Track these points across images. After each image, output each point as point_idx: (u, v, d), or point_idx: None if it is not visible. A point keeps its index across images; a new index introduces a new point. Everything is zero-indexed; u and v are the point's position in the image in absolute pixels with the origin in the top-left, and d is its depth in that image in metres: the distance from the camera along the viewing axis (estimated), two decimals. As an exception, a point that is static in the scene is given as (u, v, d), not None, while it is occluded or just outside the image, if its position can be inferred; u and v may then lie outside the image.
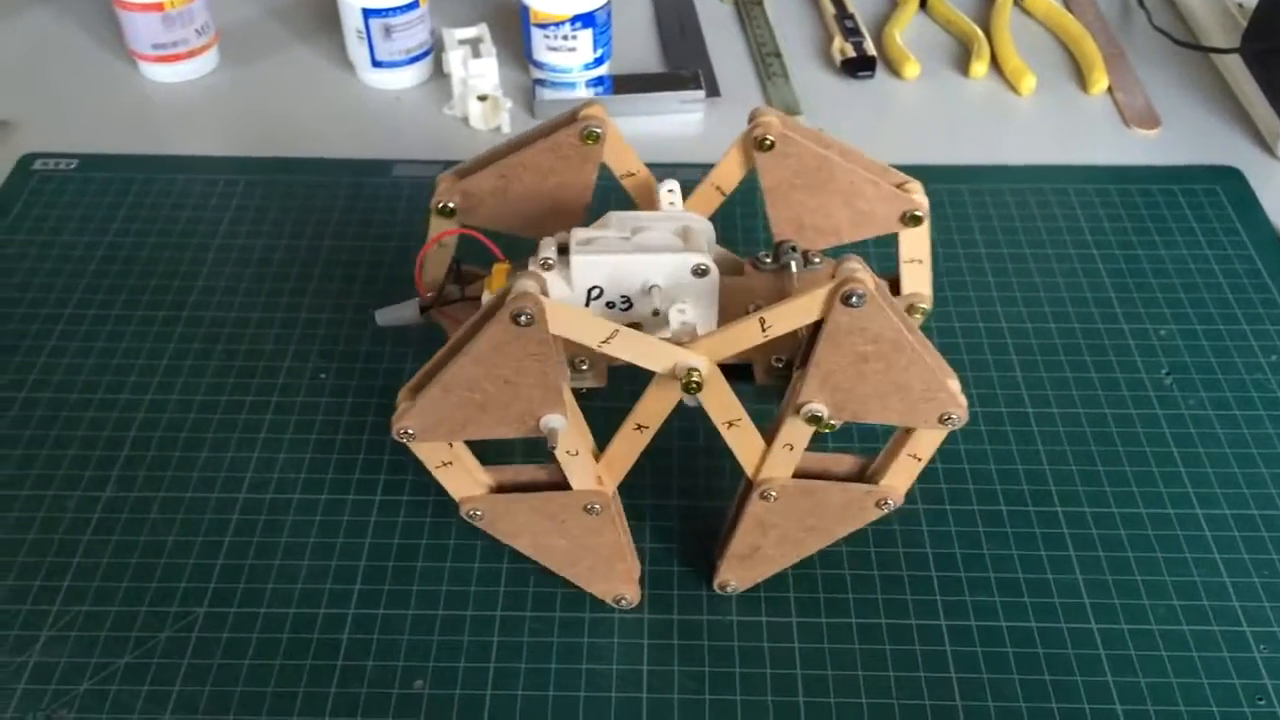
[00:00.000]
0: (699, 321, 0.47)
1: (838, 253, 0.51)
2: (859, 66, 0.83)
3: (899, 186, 0.52)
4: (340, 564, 0.52)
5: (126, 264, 0.67)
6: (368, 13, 0.78)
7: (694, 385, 0.43)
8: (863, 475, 0.47)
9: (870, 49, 0.84)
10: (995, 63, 0.84)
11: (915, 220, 0.52)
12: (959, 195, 0.72)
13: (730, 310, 0.48)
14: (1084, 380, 0.60)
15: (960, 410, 0.44)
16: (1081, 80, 0.83)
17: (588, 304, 0.47)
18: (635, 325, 0.47)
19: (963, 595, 0.51)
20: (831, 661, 0.48)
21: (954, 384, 0.44)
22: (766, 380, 0.49)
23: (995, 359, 0.62)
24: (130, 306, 0.64)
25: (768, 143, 0.49)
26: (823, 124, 0.79)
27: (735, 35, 0.88)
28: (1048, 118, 0.79)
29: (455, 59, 0.78)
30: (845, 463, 0.48)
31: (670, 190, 0.52)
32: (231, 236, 0.69)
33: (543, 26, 0.78)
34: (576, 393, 0.47)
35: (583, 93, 0.81)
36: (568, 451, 0.45)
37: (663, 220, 0.49)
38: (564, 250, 0.47)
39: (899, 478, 0.47)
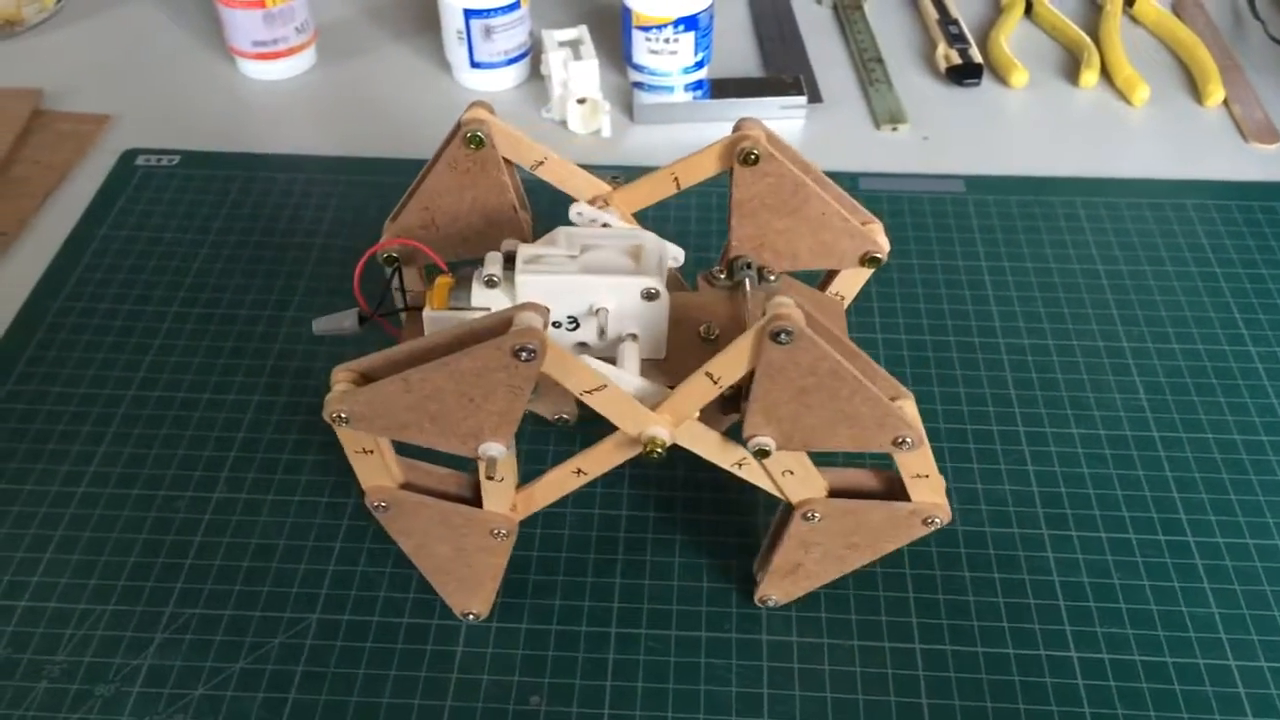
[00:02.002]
0: (649, 345, 0.46)
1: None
2: (965, 74, 0.81)
3: (863, 225, 0.51)
4: (451, 574, 0.51)
5: (230, 262, 0.67)
6: (469, 13, 0.77)
7: (656, 454, 0.43)
8: (897, 491, 0.46)
9: (976, 56, 0.82)
10: (1105, 72, 0.82)
11: (874, 262, 0.51)
12: (1073, 208, 0.70)
13: (685, 331, 0.46)
14: (1211, 405, 0.58)
15: (912, 433, 0.43)
16: (1195, 92, 0.80)
17: (545, 326, 0.45)
18: (581, 346, 0.46)
19: (1092, 626, 0.49)
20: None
21: (907, 405, 0.43)
22: (714, 410, 0.47)
23: (1118, 380, 0.60)
24: (235, 305, 0.64)
25: (753, 157, 0.47)
26: (929, 132, 0.77)
27: (835, 40, 0.86)
28: (1162, 130, 0.77)
29: (555, 61, 0.77)
30: (875, 478, 0.47)
31: (579, 214, 0.50)
32: (332, 237, 0.69)
33: (644, 29, 0.77)
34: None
35: (681, 97, 0.79)
36: (491, 477, 0.44)
37: (614, 237, 0.47)
38: (511, 262, 0.46)
39: (928, 495, 0.45)
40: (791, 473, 0.45)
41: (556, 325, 0.46)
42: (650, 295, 0.45)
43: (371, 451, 0.44)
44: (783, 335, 0.40)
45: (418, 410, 0.41)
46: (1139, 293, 0.64)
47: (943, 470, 0.55)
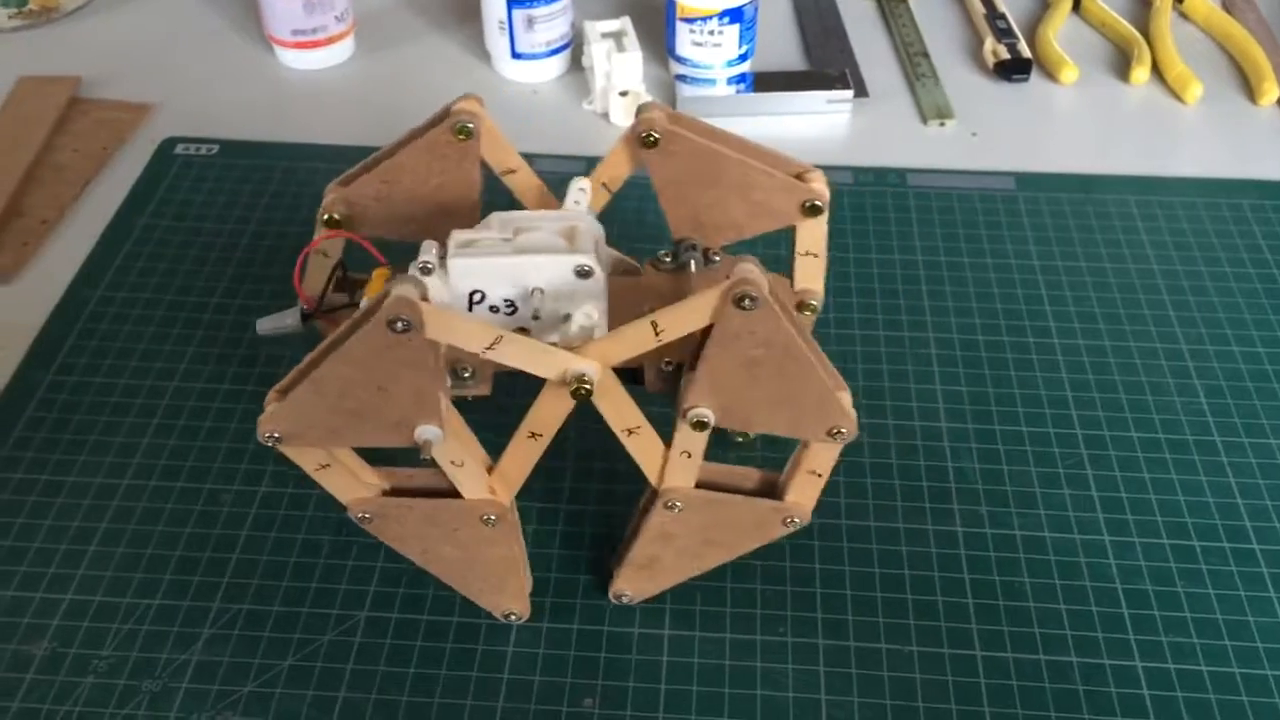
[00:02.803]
0: (586, 325, 0.45)
1: (739, 249, 0.49)
2: (1014, 69, 0.79)
3: (798, 177, 0.49)
4: (501, 572, 0.50)
5: (271, 253, 0.66)
6: (512, 3, 0.76)
7: (583, 391, 0.41)
8: (772, 491, 0.45)
9: (1025, 51, 0.80)
10: (1155, 69, 0.80)
11: (814, 210, 0.49)
12: (1126, 206, 0.69)
13: (625, 313, 0.45)
14: (1273, 409, 0.57)
15: (849, 424, 0.42)
16: (1248, 90, 0.79)
17: (470, 309, 0.45)
18: (522, 330, 0.45)
19: (1157, 635, 0.48)
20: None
21: (845, 397, 0.43)
22: (657, 385, 0.47)
23: (1177, 383, 0.58)
24: (278, 296, 0.63)
25: (652, 139, 0.47)
26: (976, 127, 0.76)
27: (880, 34, 0.85)
28: (1215, 128, 0.76)
29: (598, 53, 0.76)
30: (753, 477, 0.46)
31: (581, 189, 0.49)
32: (375, 228, 0.68)
33: (689, 21, 0.76)
34: (462, 401, 0.46)
35: (723, 90, 0.78)
36: (452, 462, 0.43)
37: (547, 220, 0.46)
38: (446, 253, 0.45)
39: (803, 494, 0.45)
40: (689, 456, 0.44)
41: (494, 310, 0.45)
42: (583, 273, 0.44)
43: (328, 465, 0.43)
44: (746, 300, 0.39)
45: (338, 411, 0.41)
46: (1196, 294, 0.63)
47: (998, 473, 0.54)
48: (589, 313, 0.44)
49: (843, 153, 0.74)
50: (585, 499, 0.53)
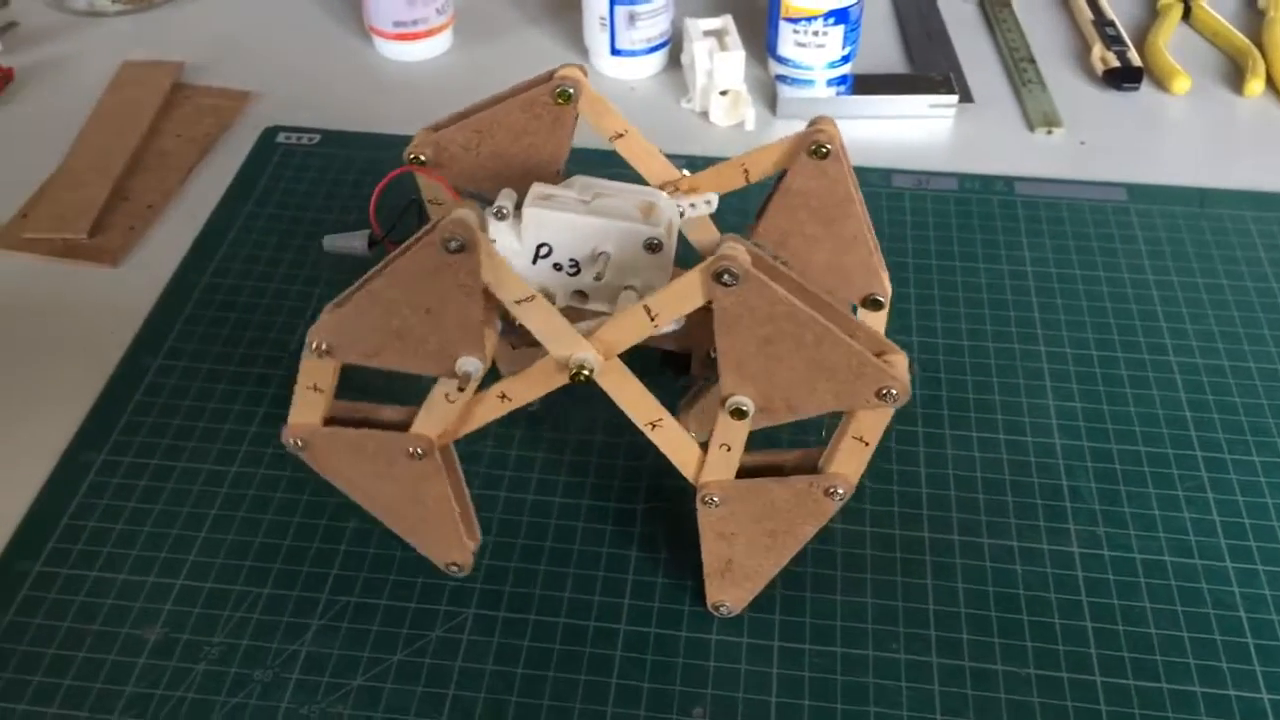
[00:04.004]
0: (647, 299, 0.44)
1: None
2: (1124, 78, 0.78)
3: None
4: (607, 575, 0.50)
5: (374, 244, 0.66)
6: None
7: (582, 377, 0.41)
8: (811, 467, 0.44)
9: (1135, 59, 0.78)
10: (1270, 81, 0.78)
11: (875, 305, 0.49)
12: (1242, 223, 0.67)
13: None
14: (1402, 437, 0.55)
15: (897, 384, 0.40)
16: (1368, 104, 0.77)
17: (534, 261, 0.44)
18: (580, 294, 0.45)
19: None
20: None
21: (895, 360, 0.41)
22: (702, 371, 0.46)
23: (1301, 406, 0.57)
24: (380, 288, 0.63)
25: (824, 150, 0.46)
26: (1085, 136, 0.74)
27: (983, 39, 0.84)
28: (1334, 143, 0.73)
29: (700, 51, 0.75)
30: (794, 456, 0.45)
31: (708, 202, 0.48)
32: (475, 222, 0.68)
33: (793, 21, 0.75)
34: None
35: (823, 92, 0.77)
36: (447, 395, 0.43)
37: (629, 192, 0.46)
38: (522, 203, 0.45)
39: (847, 463, 0.43)
40: (728, 449, 0.43)
41: (558, 268, 0.45)
42: (653, 246, 0.44)
43: (321, 391, 0.44)
44: (726, 276, 0.38)
45: (383, 329, 0.41)
46: (1318, 315, 0.61)
47: (1115, 494, 0.53)
48: (633, 285, 0.44)
49: (946, 159, 0.73)
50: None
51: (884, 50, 0.83)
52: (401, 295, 0.40)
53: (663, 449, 0.44)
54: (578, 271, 0.45)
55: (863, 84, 0.78)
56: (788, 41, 0.76)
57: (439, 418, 0.44)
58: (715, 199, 0.48)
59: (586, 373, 0.42)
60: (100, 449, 0.55)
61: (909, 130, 0.75)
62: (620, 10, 0.76)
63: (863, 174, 0.71)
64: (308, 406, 0.44)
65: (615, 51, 0.79)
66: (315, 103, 0.78)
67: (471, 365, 0.42)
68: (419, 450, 0.45)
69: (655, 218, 0.44)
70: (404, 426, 0.45)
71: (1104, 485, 0.53)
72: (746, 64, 0.80)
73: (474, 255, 0.39)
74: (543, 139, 0.49)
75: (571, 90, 0.47)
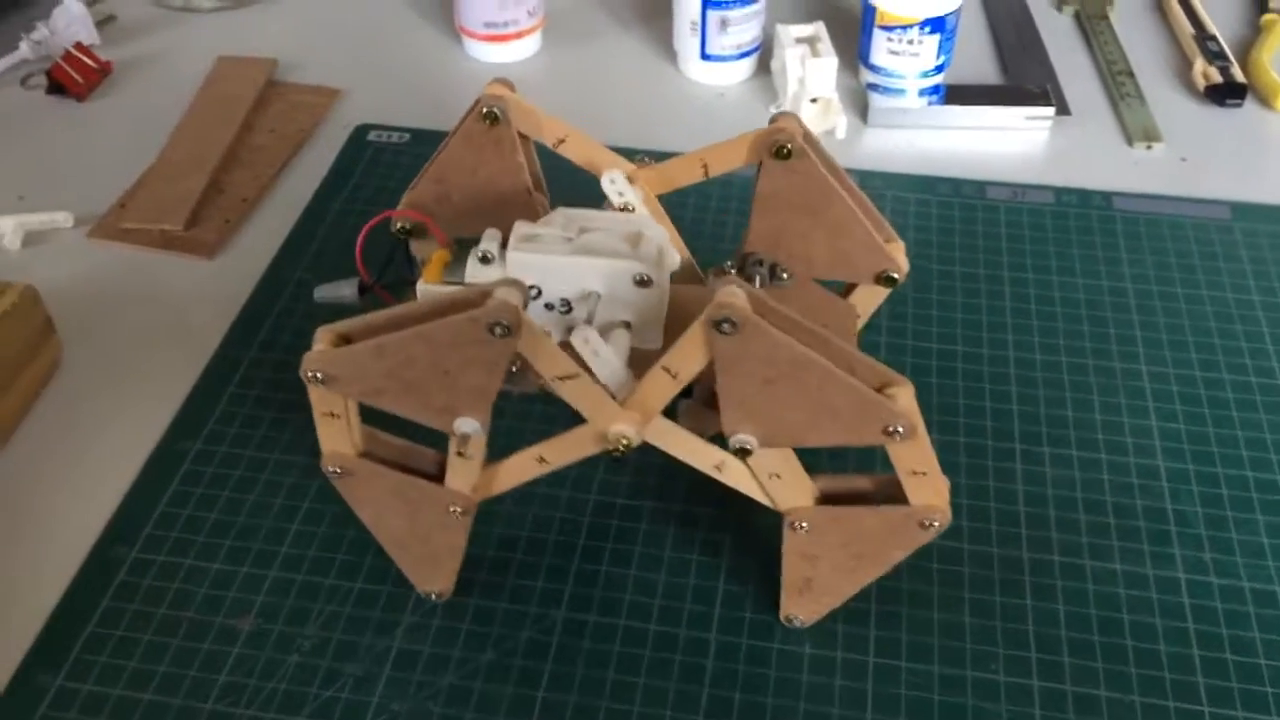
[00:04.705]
0: (644, 335, 0.44)
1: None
2: (1228, 94, 0.76)
3: (885, 242, 0.48)
4: (698, 583, 0.49)
5: (464, 243, 0.66)
6: (707, 3, 0.76)
7: (619, 451, 0.42)
8: (895, 494, 0.43)
9: (1239, 75, 0.77)
10: (1381, 99, 0.76)
11: (889, 281, 0.48)
12: (1353, 245, 0.65)
13: (685, 321, 0.43)
14: None
15: (902, 420, 0.40)
16: None
17: (525, 305, 0.44)
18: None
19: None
20: None
21: (899, 393, 0.40)
22: (709, 404, 0.45)
23: None
24: (470, 287, 0.63)
25: (785, 151, 0.45)
26: (1186, 152, 0.72)
27: (1079, 51, 0.82)
28: None
29: (791, 57, 0.75)
30: (870, 482, 0.44)
31: (612, 180, 0.48)
32: (564, 224, 0.67)
33: (887, 29, 0.74)
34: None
35: (914, 101, 0.76)
36: (459, 453, 0.43)
37: (613, 223, 0.45)
38: (507, 244, 0.45)
39: (924, 495, 0.43)
40: (779, 477, 0.43)
41: (550, 308, 0.45)
42: (642, 281, 0.43)
43: (339, 416, 0.43)
44: (725, 325, 0.38)
45: (393, 377, 0.41)
46: None
47: (1222, 519, 0.51)
48: (624, 324, 0.44)
49: (1042, 172, 0.71)
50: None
51: (977, 61, 0.82)
52: (426, 356, 0.40)
53: (734, 486, 0.44)
54: (569, 310, 0.45)
55: (956, 94, 0.76)
56: (880, 49, 0.75)
57: (466, 474, 0.44)
58: (677, 260, 0.48)
59: (624, 444, 0.42)
60: (195, 438, 0.55)
61: (1003, 142, 0.74)
62: (712, 15, 0.76)
63: (956, 185, 0.70)
64: (333, 433, 0.44)
65: (705, 57, 0.78)
66: (405, 102, 0.78)
67: (470, 427, 0.42)
68: (459, 510, 0.45)
69: (643, 249, 0.44)
70: (431, 474, 0.45)
71: (1210, 510, 0.52)
72: (837, 72, 0.80)
73: (515, 340, 0.39)
74: (496, 167, 0.48)
75: (497, 110, 0.47)
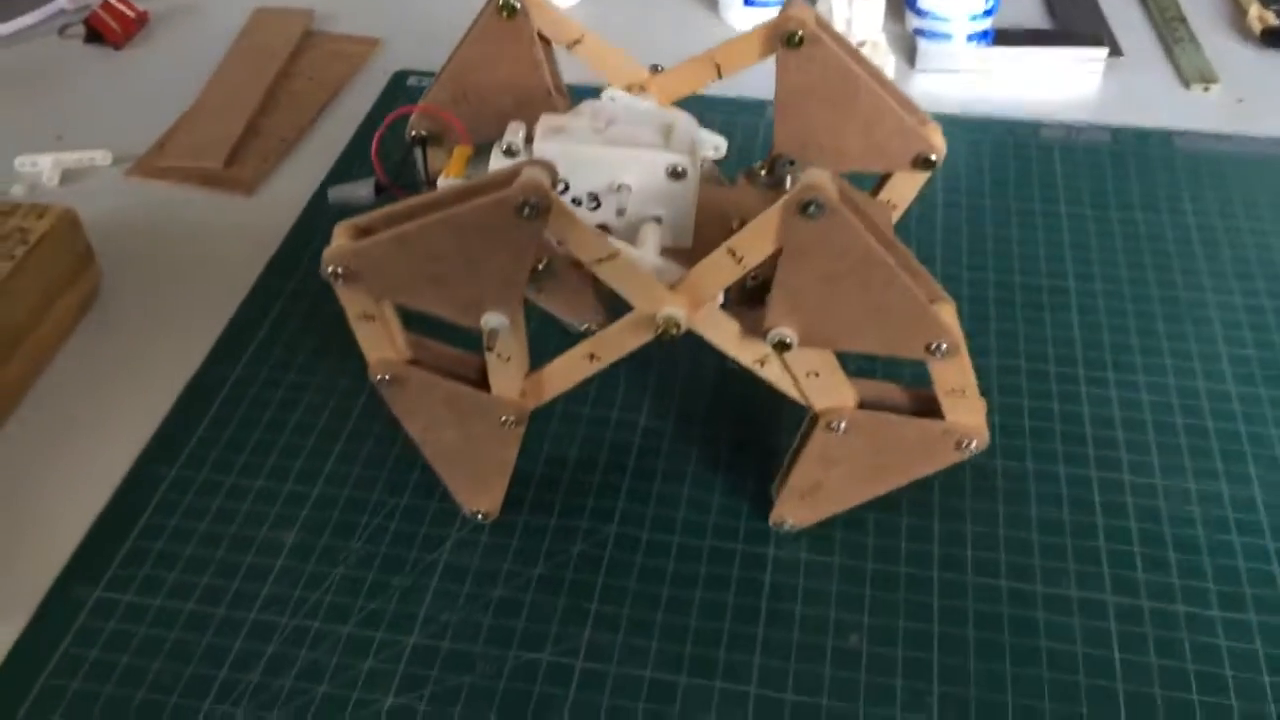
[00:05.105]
0: (674, 232, 0.43)
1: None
2: (1285, 36, 0.74)
3: (920, 124, 0.46)
4: (754, 501, 0.48)
5: (506, 180, 0.65)
6: (751, -53, 0.74)
7: (671, 334, 0.40)
8: (932, 409, 0.42)
9: (1296, 18, 0.75)
10: None
11: (926, 165, 0.46)
12: None
13: (713, 227, 0.43)
14: None
15: (948, 337, 0.38)
16: None
17: (554, 185, 0.42)
18: (602, 228, 0.42)
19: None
20: None
21: (943, 309, 0.39)
22: (740, 299, 0.43)
23: None
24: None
25: (797, 38, 0.43)
26: (1243, 94, 0.71)
27: (1129, 2, 0.80)
28: None
29: (838, 1, 0.73)
30: (904, 393, 0.43)
31: (611, 99, 0.46)
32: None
33: (936, -29, 0.73)
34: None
35: (961, 46, 0.75)
36: (499, 355, 0.41)
37: (645, 114, 0.43)
38: (532, 137, 0.43)
39: (963, 416, 0.42)
40: (817, 375, 0.41)
41: (577, 203, 0.43)
42: (676, 173, 0.41)
43: (374, 318, 0.41)
44: (812, 207, 0.36)
45: (417, 271, 0.39)
46: None
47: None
48: (658, 215, 0.42)
49: (1096, 114, 0.70)
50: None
51: (1024, 7, 0.80)
52: (450, 244, 0.38)
53: (774, 384, 0.42)
54: (598, 206, 0.43)
55: (1005, 38, 0.75)
56: (929, -7, 0.74)
57: (507, 378, 0.43)
58: (724, 144, 0.46)
59: (675, 330, 0.40)
60: (236, 363, 0.54)
61: (1055, 86, 0.72)
62: (757, -40, 0.75)
63: (1007, 126, 0.68)
64: (374, 338, 0.42)
65: (749, 2, 0.77)
66: (444, 50, 0.77)
67: (497, 321, 0.40)
68: (512, 419, 0.43)
69: (676, 140, 0.42)
70: (480, 383, 0.43)
71: (1286, 432, 0.50)
72: (883, 17, 0.78)
73: (544, 221, 0.37)
74: (513, 62, 0.47)
75: (515, 1, 0.45)
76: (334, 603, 0.44)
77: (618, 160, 0.42)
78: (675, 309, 0.40)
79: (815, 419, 0.43)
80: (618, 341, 0.42)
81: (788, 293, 0.39)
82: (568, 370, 0.43)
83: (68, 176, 0.67)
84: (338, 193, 0.49)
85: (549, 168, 0.38)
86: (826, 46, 0.44)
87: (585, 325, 0.44)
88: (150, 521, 0.47)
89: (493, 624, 0.44)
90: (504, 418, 0.44)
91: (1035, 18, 0.79)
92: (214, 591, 0.45)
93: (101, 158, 0.67)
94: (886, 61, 0.73)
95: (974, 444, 0.42)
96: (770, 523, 0.46)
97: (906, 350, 0.40)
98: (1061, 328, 0.55)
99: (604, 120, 0.43)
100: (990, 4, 0.74)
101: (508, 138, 0.44)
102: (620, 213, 0.42)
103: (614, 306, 0.42)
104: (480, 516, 0.47)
